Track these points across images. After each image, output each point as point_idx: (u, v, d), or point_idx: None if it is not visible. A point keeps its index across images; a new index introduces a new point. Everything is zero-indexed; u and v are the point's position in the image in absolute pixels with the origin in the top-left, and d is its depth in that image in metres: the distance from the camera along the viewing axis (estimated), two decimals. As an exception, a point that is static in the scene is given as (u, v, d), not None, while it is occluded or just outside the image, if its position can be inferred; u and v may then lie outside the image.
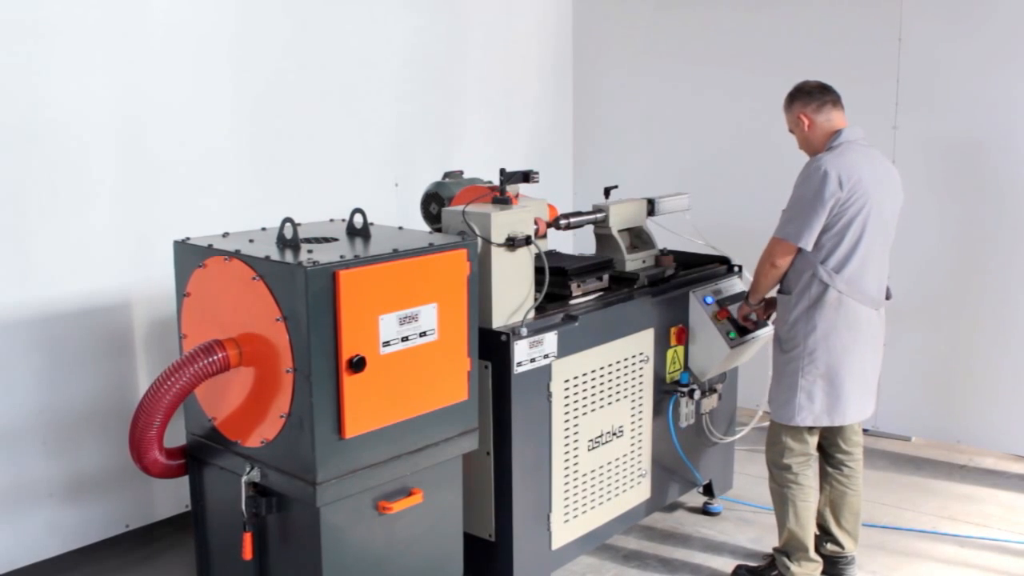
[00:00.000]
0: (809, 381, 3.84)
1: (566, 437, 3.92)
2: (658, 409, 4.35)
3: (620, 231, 4.36)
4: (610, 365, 4.06)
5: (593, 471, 4.07)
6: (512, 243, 3.67)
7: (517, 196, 3.94)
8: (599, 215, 4.33)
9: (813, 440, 3.98)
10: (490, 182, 4.14)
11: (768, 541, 4.39)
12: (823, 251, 3.75)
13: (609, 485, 4.16)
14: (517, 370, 3.64)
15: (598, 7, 6.55)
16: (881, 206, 3.78)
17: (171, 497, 4.49)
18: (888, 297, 3.96)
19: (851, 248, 3.74)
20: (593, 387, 4.01)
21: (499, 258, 3.66)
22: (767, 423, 4.07)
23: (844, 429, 4.02)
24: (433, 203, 4.15)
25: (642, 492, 4.35)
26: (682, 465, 4.50)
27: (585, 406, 3.98)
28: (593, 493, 4.09)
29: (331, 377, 3.05)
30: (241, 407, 3.29)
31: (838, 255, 3.75)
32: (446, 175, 4.33)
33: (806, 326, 3.81)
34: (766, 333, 4.44)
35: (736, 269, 4.71)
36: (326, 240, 3.42)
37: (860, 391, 3.90)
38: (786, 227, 3.79)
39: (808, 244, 3.74)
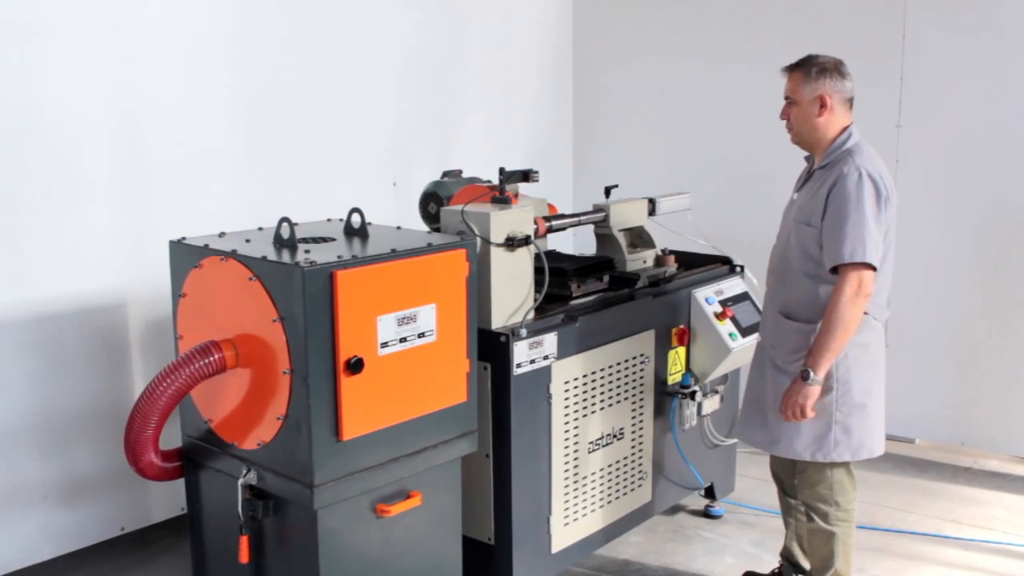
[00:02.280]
0: (844, 414, 3.48)
1: (566, 439, 3.88)
2: (659, 411, 4.32)
3: (621, 231, 4.33)
4: (611, 366, 4.03)
5: (593, 474, 4.04)
6: (511, 243, 3.64)
7: (517, 196, 3.91)
8: (599, 215, 4.29)
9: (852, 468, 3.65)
10: (489, 181, 4.11)
11: (770, 544, 4.36)
12: None
13: (610, 488, 4.13)
14: (516, 371, 3.61)
15: (599, 4, 6.52)
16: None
17: (167, 500, 4.46)
18: None
19: (880, 265, 3.39)
20: (593, 389, 3.97)
21: (498, 258, 3.62)
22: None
23: None
24: (432, 202, 4.13)
25: (643, 495, 4.32)
26: (683, 468, 4.47)
27: (585, 408, 3.95)
28: (593, 496, 4.06)
29: (329, 378, 3.02)
30: (238, 409, 3.26)
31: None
32: (445, 174, 4.31)
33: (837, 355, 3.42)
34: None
35: (738, 269, 4.68)
36: (323, 240, 3.40)
37: (882, 417, 3.62)
38: (867, 247, 3.28)
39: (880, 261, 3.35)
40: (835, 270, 3.36)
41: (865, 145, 3.48)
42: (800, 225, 3.50)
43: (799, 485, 3.72)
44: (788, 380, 3.49)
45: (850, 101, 3.50)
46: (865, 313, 3.41)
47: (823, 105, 3.44)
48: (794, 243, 3.53)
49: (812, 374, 3.36)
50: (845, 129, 3.49)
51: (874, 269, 3.32)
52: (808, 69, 3.45)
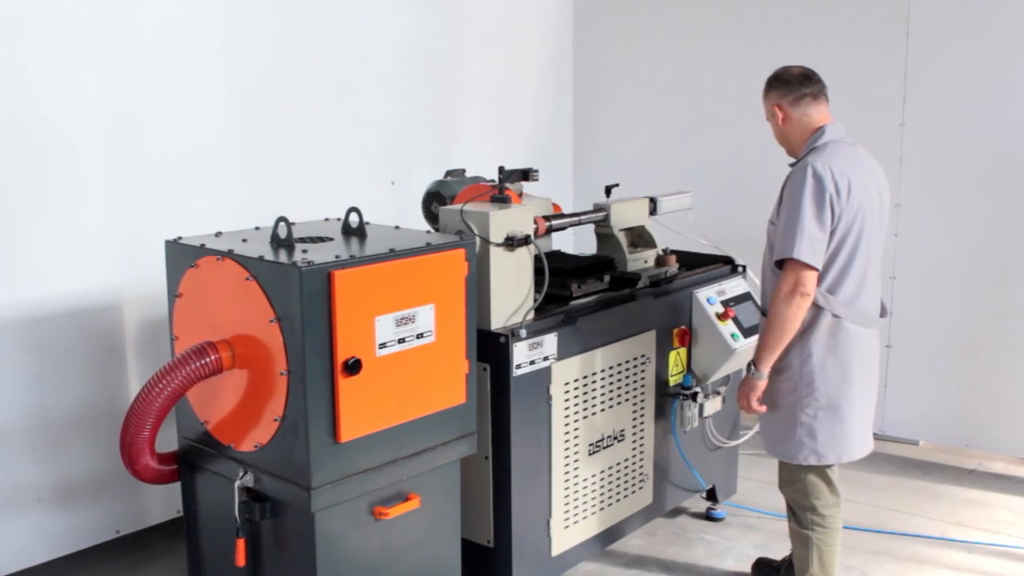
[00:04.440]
0: (809, 416, 3.51)
1: (566, 441, 3.85)
2: (660, 412, 4.29)
3: (621, 230, 4.30)
4: (611, 367, 4.00)
5: (594, 476, 4.01)
6: (511, 243, 3.61)
7: (521, 195, 3.87)
8: (599, 214, 4.25)
9: (835, 475, 3.66)
10: (493, 181, 4.07)
11: (773, 547, 4.33)
12: None
13: (610, 490, 4.09)
14: (516, 372, 3.58)
15: (599, 2, 6.49)
16: (873, 213, 3.45)
17: (163, 502, 4.43)
18: (883, 314, 3.63)
19: (846, 265, 3.41)
20: (594, 390, 3.94)
21: (498, 258, 3.59)
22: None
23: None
24: (435, 202, 4.09)
25: (644, 497, 4.29)
26: (685, 470, 4.44)
27: (586, 409, 3.92)
28: (594, 498, 4.03)
29: (326, 380, 3.00)
30: (234, 410, 3.24)
31: (832, 273, 3.41)
32: (448, 173, 4.27)
33: (801, 354, 3.48)
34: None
35: (740, 269, 4.64)
36: (321, 240, 3.37)
37: (863, 424, 3.60)
38: (799, 244, 3.30)
39: (820, 264, 3.35)
40: (782, 268, 3.42)
41: (835, 145, 3.48)
42: (769, 226, 3.63)
43: (780, 482, 3.77)
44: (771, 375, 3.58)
45: (806, 99, 3.52)
46: (836, 316, 3.44)
47: (777, 115, 3.58)
48: (768, 244, 3.63)
49: (754, 368, 3.51)
50: (820, 131, 3.52)
51: (814, 269, 3.34)
52: (763, 91, 3.63)
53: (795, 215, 3.34)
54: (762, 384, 3.52)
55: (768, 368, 3.50)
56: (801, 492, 3.65)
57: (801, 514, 3.68)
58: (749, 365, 3.55)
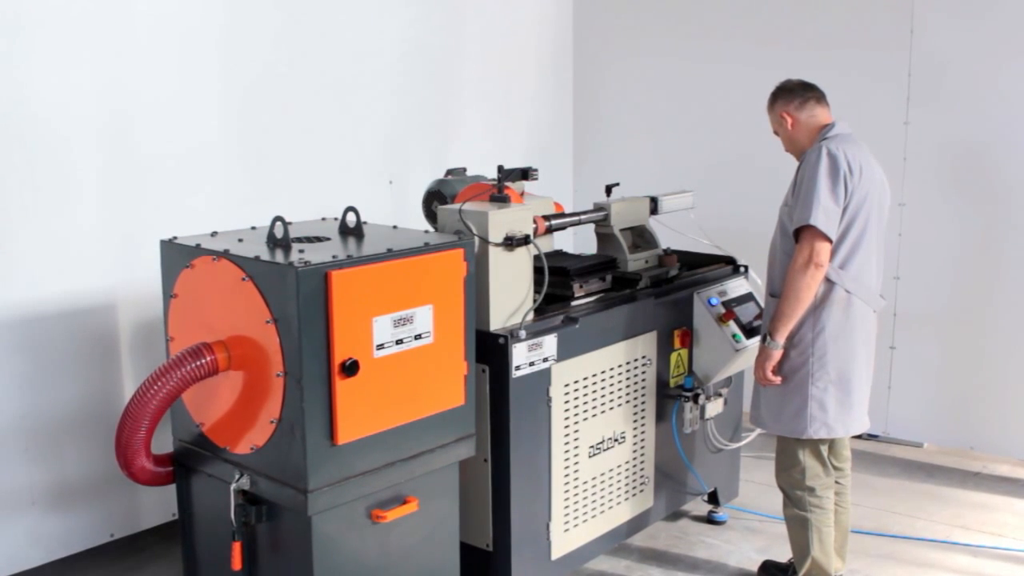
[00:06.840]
0: (820, 389, 3.65)
1: (566, 443, 3.82)
2: (661, 414, 4.26)
3: (622, 230, 4.27)
4: (612, 369, 3.96)
5: (594, 478, 3.97)
6: (510, 242, 3.58)
7: (522, 194, 3.84)
8: (600, 214, 4.22)
9: (826, 454, 3.79)
10: (494, 180, 4.04)
11: (775, 551, 4.29)
12: None
13: (610, 493, 4.06)
14: (515, 374, 3.55)
15: (599, -1, 6.46)
16: (880, 199, 3.66)
17: (157, 505, 4.40)
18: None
19: (856, 242, 3.58)
20: (594, 391, 3.91)
21: (497, 258, 3.56)
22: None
23: (836, 443, 3.85)
24: (435, 201, 4.06)
25: (644, 500, 4.25)
26: (686, 472, 4.41)
27: (586, 411, 3.88)
28: (594, 501, 3.99)
29: (323, 381, 2.98)
30: (230, 412, 3.21)
31: (844, 249, 3.58)
32: (449, 172, 4.23)
33: (814, 328, 3.62)
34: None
35: (742, 269, 4.61)
36: (318, 239, 3.35)
37: (865, 399, 3.76)
38: (815, 212, 3.46)
39: (834, 235, 3.53)
40: (798, 240, 3.57)
41: (848, 138, 3.67)
42: (782, 208, 3.76)
43: (775, 469, 3.87)
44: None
45: (810, 102, 3.75)
46: (848, 292, 3.60)
47: (786, 121, 3.78)
48: (779, 227, 3.79)
49: (770, 338, 3.65)
50: (824, 127, 3.73)
51: (828, 240, 3.51)
52: (768, 104, 3.87)
53: (811, 189, 3.52)
54: (777, 354, 3.65)
55: (783, 337, 3.63)
56: (800, 473, 3.77)
57: (800, 495, 3.78)
58: (764, 336, 3.68)
